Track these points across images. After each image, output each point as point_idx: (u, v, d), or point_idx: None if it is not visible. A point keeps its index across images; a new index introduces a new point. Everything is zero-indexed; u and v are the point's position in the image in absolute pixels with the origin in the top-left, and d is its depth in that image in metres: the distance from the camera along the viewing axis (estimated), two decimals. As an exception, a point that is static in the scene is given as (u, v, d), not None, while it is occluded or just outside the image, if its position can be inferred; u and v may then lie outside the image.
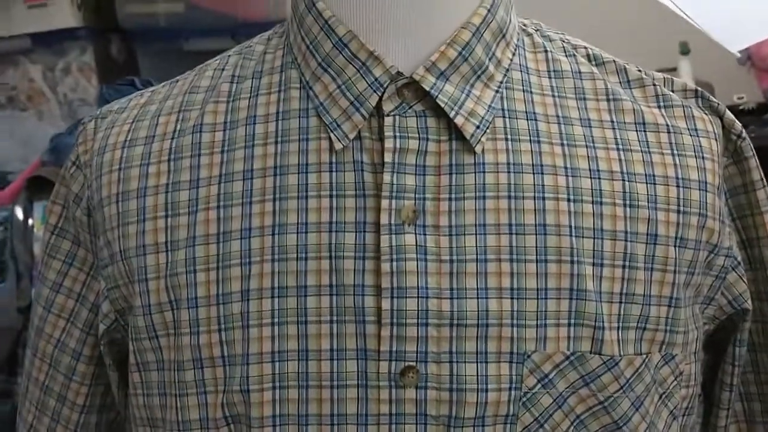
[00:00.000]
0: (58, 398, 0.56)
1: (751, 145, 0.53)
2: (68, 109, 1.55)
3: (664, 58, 1.81)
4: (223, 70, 0.53)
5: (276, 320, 0.47)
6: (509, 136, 0.48)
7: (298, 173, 0.48)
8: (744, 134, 0.53)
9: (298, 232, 0.47)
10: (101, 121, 0.55)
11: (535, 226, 0.47)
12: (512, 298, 0.46)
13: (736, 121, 0.53)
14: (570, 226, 0.47)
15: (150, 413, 0.51)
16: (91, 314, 0.55)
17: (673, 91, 0.53)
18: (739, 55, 1.18)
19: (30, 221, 1.19)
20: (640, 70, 0.53)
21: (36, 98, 1.58)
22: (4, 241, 1.22)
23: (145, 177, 0.51)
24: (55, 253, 0.56)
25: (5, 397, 1.18)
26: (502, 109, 0.49)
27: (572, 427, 0.47)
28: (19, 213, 1.20)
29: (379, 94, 0.48)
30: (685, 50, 1.75)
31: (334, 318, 0.46)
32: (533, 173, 0.48)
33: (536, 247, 0.47)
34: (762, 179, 0.53)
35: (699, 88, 0.53)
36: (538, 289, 0.46)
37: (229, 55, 0.55)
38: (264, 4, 1.46)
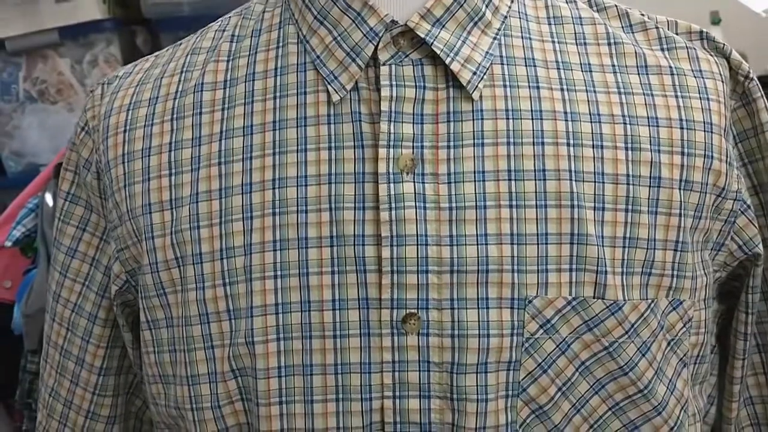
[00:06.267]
0: (77, 361, 0.58)
1: (759, 85, 0.52)
2: (96, 100, 1.57)
3: (694, 29, 1.78)
4: (224, 30, 0.54)
5: (278, 273, 0.47)
6: (508, 83, 0.48)
7: (297, 127, 0.48)
8: (752, 75, 0.52)
9: (297, 185, 0.47)
10: (107, 87, 0.56)
11: (534, 171, 0.46)
12: (512, 244, 0.46)
13: (744, 62, 0.52)
14: (570, 171, 0.47)
15: (161, 370, 0.52)
16: (105, 277, 0.56)
17: (677, 33, 0.52)
18: (764, 15, 1.15)
19: (59, 207, 1.22)
20: (642, 14, 0.52)
21: (65, 91, 1.61)
22: (35, 227, 1.25)
23: (149, 137, 0.52)
24: (68, 219, 0.57)
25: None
26: (501, 56, 0.49)
27: (577, 373, 0.47)
28: (49, 199, 1.22)
29: (375, 44, 0.48)
30: (716, 20, 1.72)
31: (335, 268, 0.46)
32: (532, 119, 0.47)
33: (536, 192, 0.46)
34: (772, 120, 0.52)
35: (704, 30, 0.52)
36: (538, 234, 0.46)
37: (230, 17, 0.55)
38: (286, -10, 1.46)
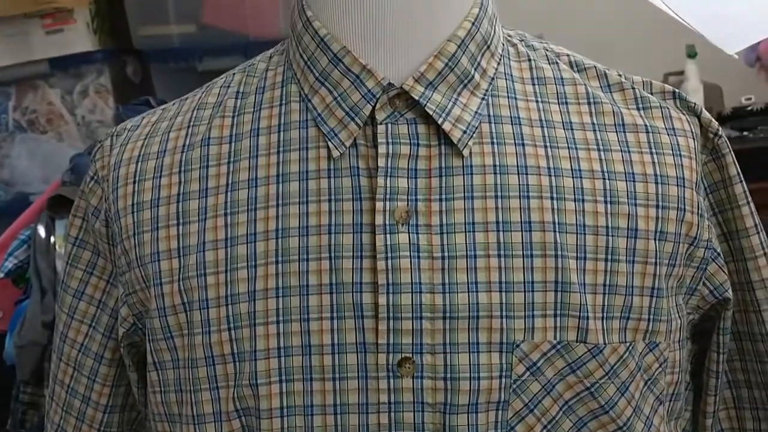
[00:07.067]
0: (83, 399, 0.60)
1: (728, 142, 0.56)
2: (86, 130, 1.60)
3: (671, 62, 1.83)
4: (228, 87, 0.57)
5: (281, 318, 0.50)
6: (495, 140, 0.52)
7: (299, 180, 0.52)
8: (720, 132, 0.56)
9: (299, 235, 0.51)
10: (116, 139, 0.59)
11: (521, 223, 0.50)
12: (501, 291, 0.49)
13: (713, 120, 0.56)
14: (553, 222, 0.50)
15: (167, 409, 0.54)
16: (111, 319, 0.59)
17: (651, 93, 0.56)
18: (736, 56, 1.20)
19: (52, 239, 1.24)
20: (620, 75, 0.56)
21: (55, 121, 1.62)
22: (27, 258, 1.27)
23: (158, 189, 0.55)
24: (76, 263, 0.60)
25: (33, 408, 1.22)
26: (488, 115, 0.52)
27: (561, 413, 0.50)
28: (42, 231, 1.24)
29: (372, 104, 0.51)
30: (692, 53, 1.77)
31: (335, 314, 0.49)
32: (518, 174, 0.51)
33: (522, 242, 0.50)
34: (739, 174, 0.56)
35: (676, 90, 0.56)
36: (525, 282, 0.49)
37: (234, 73, 0.58)
38: (276, 22, 1.49)
